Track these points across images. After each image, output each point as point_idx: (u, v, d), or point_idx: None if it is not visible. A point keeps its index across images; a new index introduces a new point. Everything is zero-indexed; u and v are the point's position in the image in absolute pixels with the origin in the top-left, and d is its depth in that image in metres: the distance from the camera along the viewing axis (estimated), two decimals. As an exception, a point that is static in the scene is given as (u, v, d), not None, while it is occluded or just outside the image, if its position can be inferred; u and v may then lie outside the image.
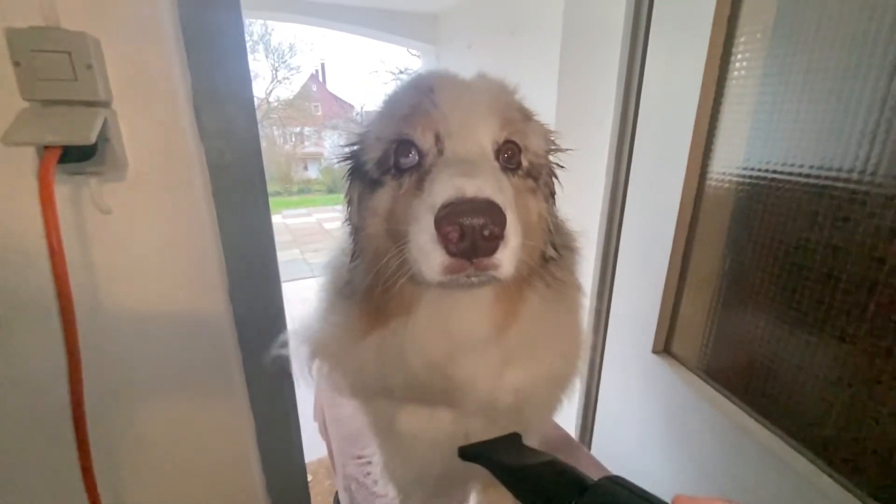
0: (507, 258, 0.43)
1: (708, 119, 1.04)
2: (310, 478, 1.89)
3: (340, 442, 1.11)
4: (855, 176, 0.75)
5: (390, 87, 0.62)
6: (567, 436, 1.17)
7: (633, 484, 0.38)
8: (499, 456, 0.54)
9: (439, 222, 0.41)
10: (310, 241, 8.09)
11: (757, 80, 0.93)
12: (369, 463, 1.00)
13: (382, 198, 0.54)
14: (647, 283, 1.22)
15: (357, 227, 0.59)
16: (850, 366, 0.78)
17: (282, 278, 0.88)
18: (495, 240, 0.41)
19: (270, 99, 16.90)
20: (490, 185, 0.42)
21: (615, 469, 1.04)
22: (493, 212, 0.41)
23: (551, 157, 0.61)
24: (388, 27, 3.20)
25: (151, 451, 0.80)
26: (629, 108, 1.26)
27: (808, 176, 0.83)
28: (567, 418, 1.55)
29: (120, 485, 0.78)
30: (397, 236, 0.49)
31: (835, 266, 0.79)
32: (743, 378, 1.01)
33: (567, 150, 0.61)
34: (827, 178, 0.79)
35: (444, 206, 0.41)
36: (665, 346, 1.23)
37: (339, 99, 21.76)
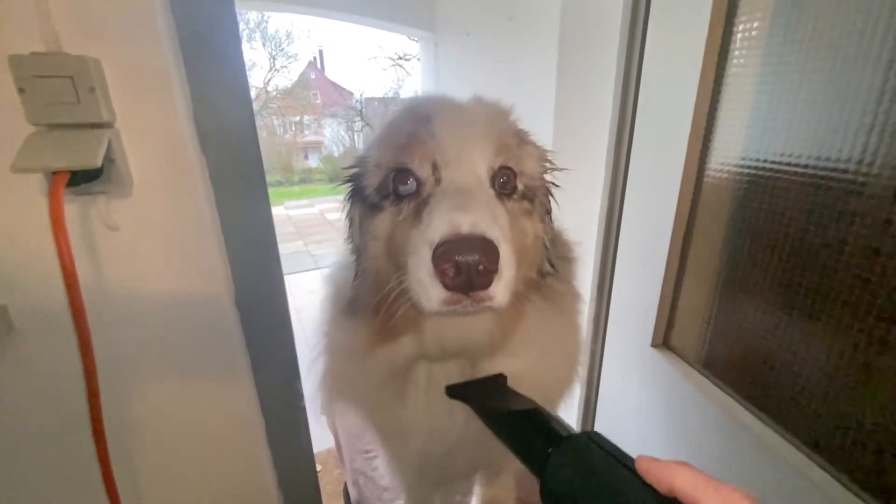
0: (501, 290, 0.45)
1: (706, 111, 1.03)
2: (319, 468, 1.94)
3: (348, 436, 1.14)
4: (853, 167, 0.75)
5: (389, 113, 0.62)
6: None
7: (607, 440, 0.40)
8: (484, 398, 0.56)
9: (436, 260, 0.43)
10: (313, 233, 8.11)
11: (755, 73, 0.93)
12: (376, 457, 1.03)
13: (382, 222, 0.55)
14: (646, 276, 1.23)
15: (359, 248, 0.60)
16: (845, 359, 0.79)
17: (286, 271, 0.90)
18: (489, 274, 0.43)
19: (269, 88, 16.72)
20: (485, 219, 0.44)
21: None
22: (486, 248, 0.42)
23: (547, 177, 0.62)
24: (385, 14, 3.14)
25: (165, 449, 0.83)
26: (628, 100, 1.26)
27: (805, 168, 0.83)
28: (568, 411, 1.58)
29: (135, 480, 0.81)
30: (398, 265, 0.50)
31: (832, 258, 0.80)
32: (741, 371, 1.02)
33: (563, 169, 0.62)
34: (825, 169, 0.79)
35: (440, 245, 0.42)
36: (664, 340, 1.24)
37: (338, 86, 21.50)
